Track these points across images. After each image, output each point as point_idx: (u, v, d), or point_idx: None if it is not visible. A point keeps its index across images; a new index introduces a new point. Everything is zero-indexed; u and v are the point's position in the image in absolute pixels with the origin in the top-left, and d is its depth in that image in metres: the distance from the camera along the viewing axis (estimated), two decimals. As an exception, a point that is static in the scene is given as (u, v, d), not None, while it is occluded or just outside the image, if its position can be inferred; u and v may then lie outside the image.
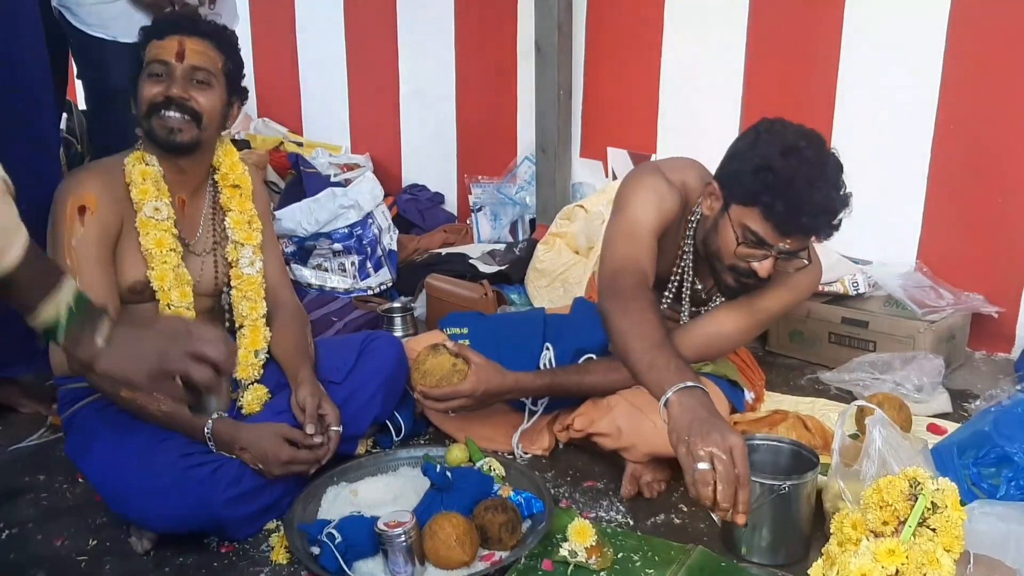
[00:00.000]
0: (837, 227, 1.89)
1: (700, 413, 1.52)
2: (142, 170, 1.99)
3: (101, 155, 2.59)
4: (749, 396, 2.26)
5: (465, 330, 2.42)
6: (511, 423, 2.30)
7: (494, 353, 2.20)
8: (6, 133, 2.24)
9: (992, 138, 2.82)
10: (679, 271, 2.17)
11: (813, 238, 1.91)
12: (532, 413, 2.29)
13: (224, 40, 2.05)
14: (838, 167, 1.87)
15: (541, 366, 2.31)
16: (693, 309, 2.19)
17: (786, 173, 1.80)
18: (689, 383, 1.57)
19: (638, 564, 1.79)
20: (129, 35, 2.48)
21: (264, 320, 2.17)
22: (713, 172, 2.02)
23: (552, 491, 2.08)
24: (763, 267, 1.90)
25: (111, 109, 2.56)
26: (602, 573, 1.76)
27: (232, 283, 2.14)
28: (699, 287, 2.17)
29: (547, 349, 2.34)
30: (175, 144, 1.98)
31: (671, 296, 2.20)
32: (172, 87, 1.95)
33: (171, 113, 1.96)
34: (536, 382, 2.16)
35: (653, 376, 1.64)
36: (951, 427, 2.32)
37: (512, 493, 1.95)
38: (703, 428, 1.48)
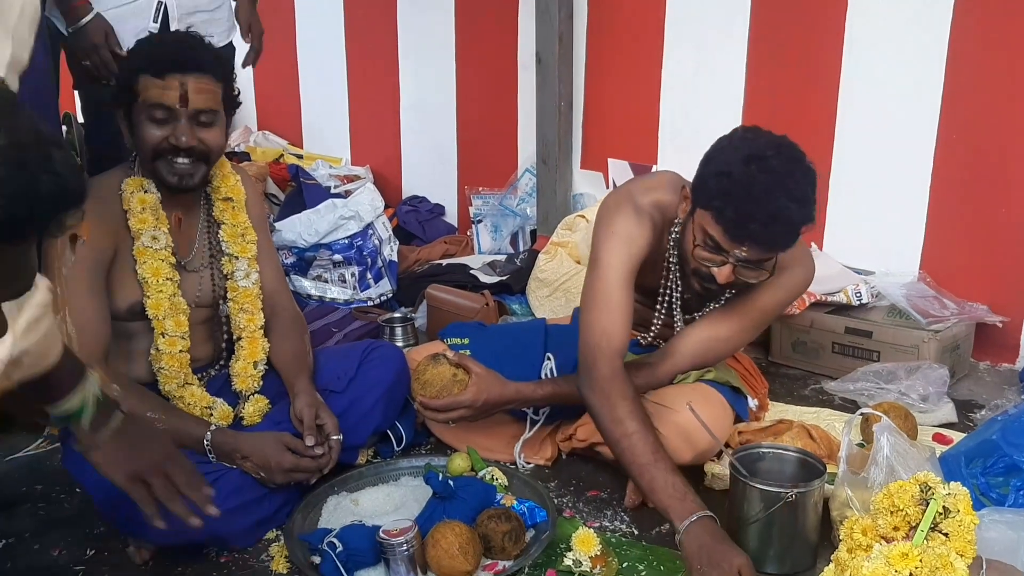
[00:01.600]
0: (795, 237, 1.84)
1: (706, 540, 1.67)
2: (141, 198, 1.97)
3: (96, 163, 2.58)
4: (753, 403, 2.24)
5: (466, 340, 2.41)
6: (512, 433, 2.29)
7: (495, 363, 2.18)
8: None
9: (994, 148, 2.82)
10: (667, 281, 2.14)
11: (774, 247, 1.85)
12: (533, 423, 2.27)
13: (221, 66, 2.00)
14: (807, 180, 1.82)
15: (543, 376, 2.29)
16: (687, 316, 2.17)
17: (744, 180, 1.76)
18: (696, 516, 1.70)
19: (643, 574, 1.77)
20: (122, 43, 2.48)
21: (262, 331, 2.15)
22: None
23: (556, 500, 2.06)
24: (720, 273, 1.86)
25: (106, 119, 2.55)
26: (606, 583, 1.74)
27: (228, 295, 2.12)
28: (688, 296, 2.13)
29: (548, 359, 2.33)
30: (187, 188, 1.98)
31: (663, 310, 2.17)
32: (179, 135, 1.90)
33: (181, 160, 1.93)
34: (537, 392, 2.14)
35: (657, 499, 1.78)
36: (957, 437, 2.30)
37: (515, 502, 1.93)
38: (712, 556, 1.64)
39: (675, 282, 2.12)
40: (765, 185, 1.76)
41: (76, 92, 2.77)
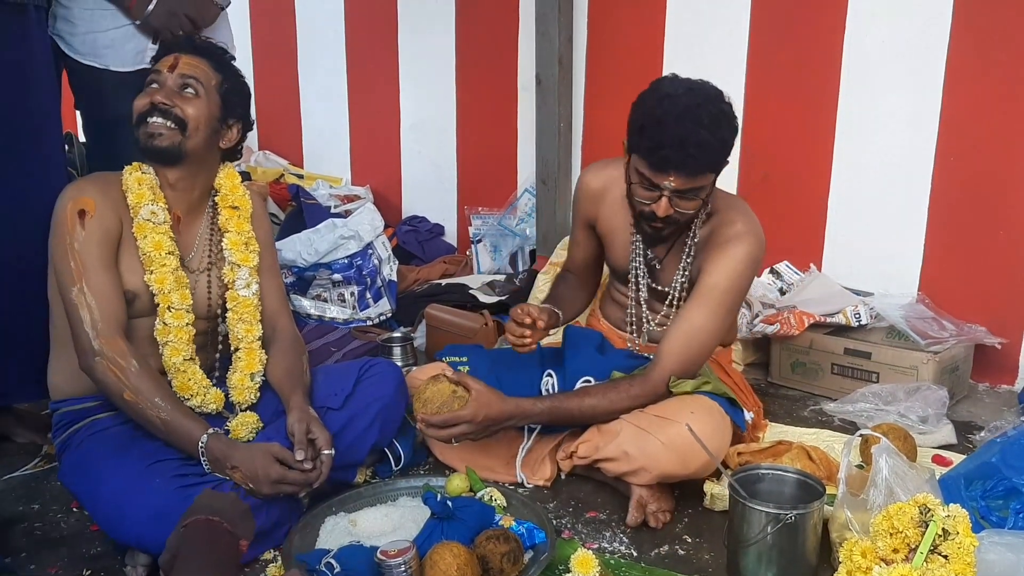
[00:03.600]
0: (711, 162, 2.02)
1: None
2: (138, 177, 2.03)
3: None
4: (748, 416, 2.24)
5: (465, 358, 2.41)
6: (512, 453, 2.28)
7: (494, 381, 2.20)
8: (16, 149, 2.26)
9: (992, 170, 2.83)
10: (633, 246, 2.29)
11: (694, 172, 2.02)
12: (531, 431, 2.26)
13: (223, 61, 2.10)
14: (716, 109, 2.01)
15: (543, 392, 2.30)
16: (654, 286, 2.29)
17: (656, 114, 1.98)
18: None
19: (642, 595, 1.76)
20: (121, 63, 2.48)
21: (260, 343, 2.16)
22: None
23: (554, 521, 2.05)
24: (659, 207, 2.05)
25: (108, 138, 2.55)
26: (608, 600, 1.72)
27: (228, 305, 2.13)
28: (651, 255, 2.27)
29: (549, 376, 2.33)
30: (156, 149, 2.01)
31: (634, 287, 2.32)
32: (158, 95, 1.99)
33: (155, 119, 1.99)
34: (537, 407, 2.14)
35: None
36: (956, 458, 2.29)
37: (514, 523, 1.91)
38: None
39: (637, 245, 2.27)
40: (674, 115, 1.97)
41: (77, 111, 2.79)
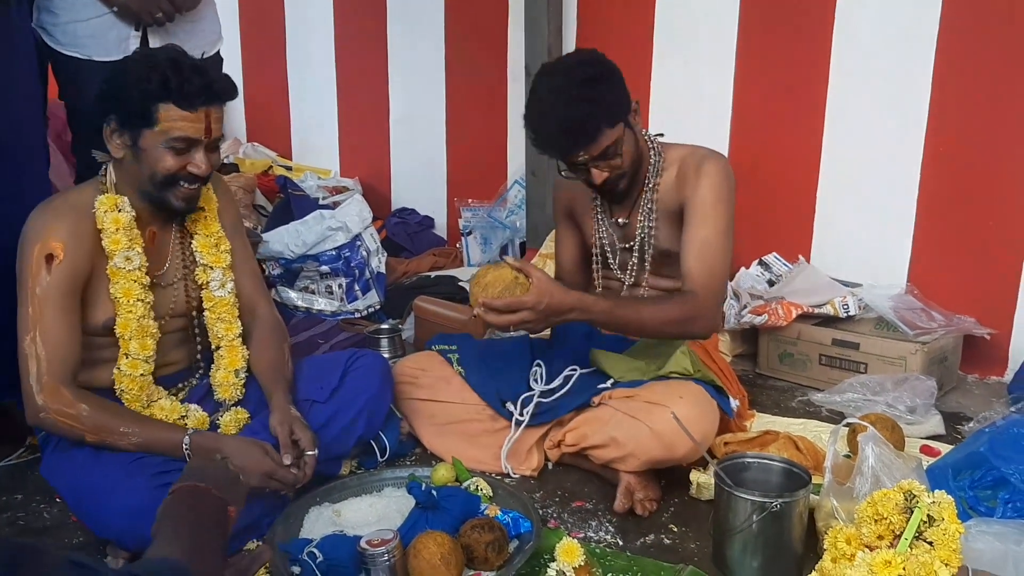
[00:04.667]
0: (600, 122, 2.07)
1: None
2: (115, 218, 1.93)
3: (84, 173, 2.56)
4: (734, 403, 2.23)
5: (455, 347, 2.40)
6: (499, 444, 2.27)
7: (485, 368, 2.25)
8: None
9: (981, 161, 2.82)
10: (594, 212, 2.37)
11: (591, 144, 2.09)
12: (519, 423, 2.25)
13: (234, 91, 1.99)
14: (587, 75, 2.08)
15: (531, 383, 2.29)
16: (622, 245, 2.33)
17: (535, 111, 2.11)
18: None
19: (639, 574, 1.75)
20: (104, 53, 2.44)
21: (240, 339, 2.13)
22: None
23: (540, 511, 2.04)
24: (593, 177, 2.15)
25: (92, 129, 2.51)
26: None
27: (204, 305, 2.10)
28: (615, 218, 2.33)
29: (538, 366, 2.32)
30: (185, 209, 1.98)
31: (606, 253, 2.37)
32: (199, 163, 1.91)
33: (191, 186, 1.93)
34: (598, 305, 2.06)
35: None
36: (944, 449, 2.29)
37: (499, 512, 1.90)
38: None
39: (603, 223, 2.35)
40: (548, 104, 2.07)
41: (64, 103, 2.76)
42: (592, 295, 2.13)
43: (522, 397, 2.25)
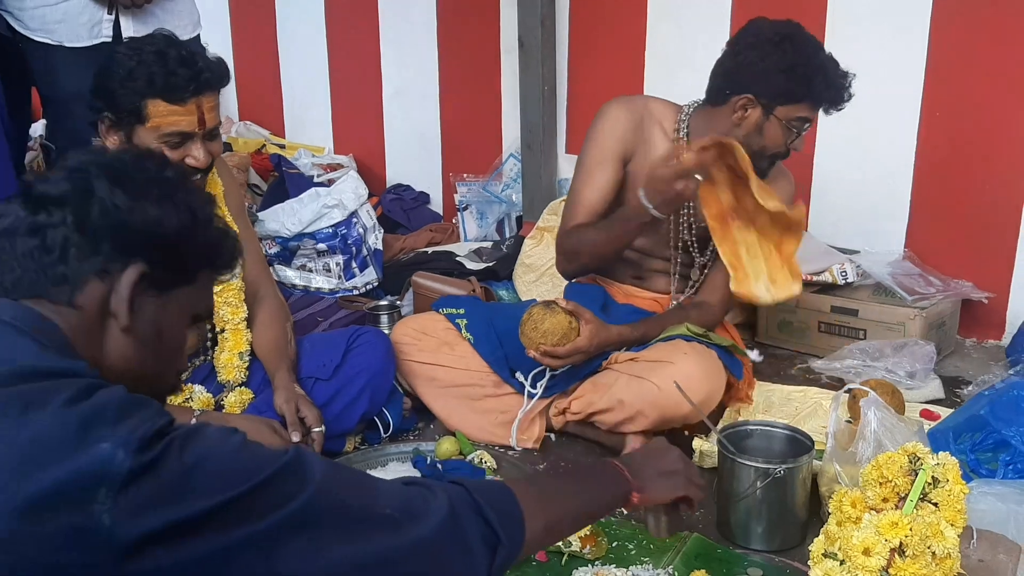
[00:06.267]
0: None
1: None
2: None
3: (58, 161, 2.53)
4: (754, 354, 2.33)
5: (462, 310, 2.40)
6: (501, 410, 2.28)
7: (494, 336, 2.27)
8: None
9: (977, 125, 2.82)
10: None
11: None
12: (531, 396, 2.26)
13: (226, 76, 1.94)
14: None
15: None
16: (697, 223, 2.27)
17: (815, 59, 2.10)
18: None
19: (633, 553, 1.76)
20: (75, 39, 2.39)
21: (246, 323, 2.13)
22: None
23: (544, 483, 2.05)
24: (801, 141, 2.19)
25: (65, 116, 2.45)
26: (597, 562, 1.73)
27: None
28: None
29: None
30: None
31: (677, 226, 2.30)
32: (197, 155, 1.86)
33: (193, 177, 1.87)
34: (634, 333, 2.20)
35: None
36: (944, 413, 2.30)
37: (504, 485, 1.91)
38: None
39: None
40: (826, 56, 2.12)
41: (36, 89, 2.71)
42: (628, 326, 2.21)
43: (534, 372, 2.25)
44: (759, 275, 2.10)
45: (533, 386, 2.25)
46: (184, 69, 1.82)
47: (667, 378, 2.01)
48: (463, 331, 2.36)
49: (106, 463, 0.82)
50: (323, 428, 1.99)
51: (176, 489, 0.84)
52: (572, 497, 1.22)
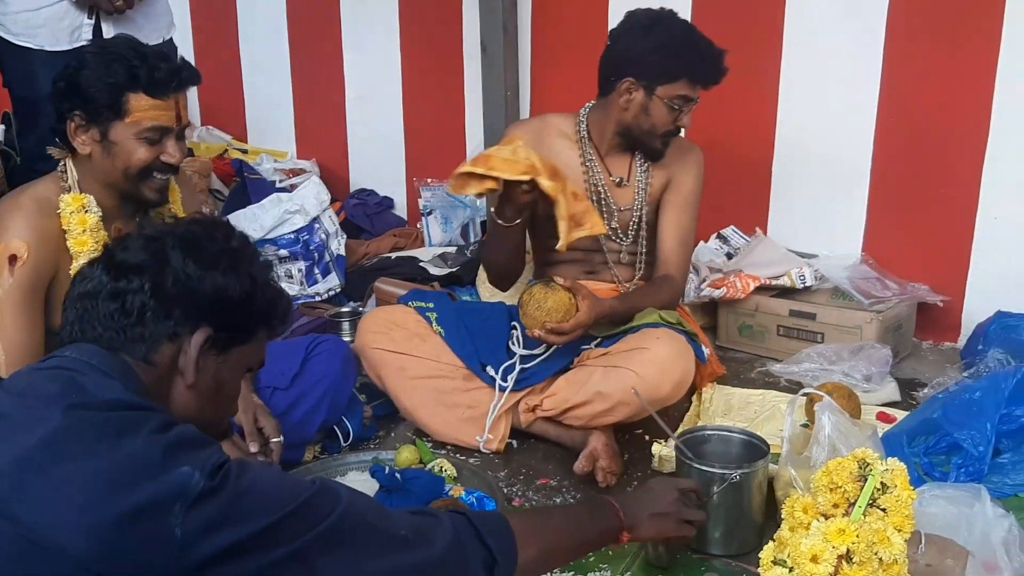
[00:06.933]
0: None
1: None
2: (81, 219, 1.85)
3: (28, 164, 2.50)
4: (706, 351, 2.32)
5: (431, 304, 2.40)
6: (469, 405, 2.28)
7: (464, 332, 2.30)
8: None
9: (933, 130, 2.86)
10: (587, 174, 2.39)
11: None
12: (503, 390, 2.26)
13: (197, 75, 1.94)
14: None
15: (511, 343, 2.33)
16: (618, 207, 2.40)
17: (684, 37, 2.22)
18: None
19: (591, 559, 1.77)
20: (55, 43, 2.40)
21: None
22: None
23: (505, 490, 2.05)
24: (686, 118, 2.29)
25: (39, 117, 2.45)
26: (555, 570, 1.73)
27: None
28: (612, 176, 2.40)
29: (514, 328, 2.35)
30: (156, 201, 1.92)
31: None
32: (173, 152, 1.85)
33: (162, 176, 1.87)
34: (622, 305, 2.27)
35: None
36: (900, 415, 2.33)
37: (464, 493, 1.92)
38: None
39: (596, 175, 2.39)
40: (697, 34, 2.24)
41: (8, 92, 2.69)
42: (610, 301, 2.26)
43: (504, 365, 2.27)
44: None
45: (504, 379, 2.26)
46: (164, 64, 1.83)
47: (644, 363, 2.07)
48: (434, 324, 2.35)
49: (185, 483, 0.97)
50: (281, 438, 1.97)
51: (233, 510, 0.99)
52: (564, 530, 1.36)
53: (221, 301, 1.16)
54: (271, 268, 1.28)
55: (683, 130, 2.33)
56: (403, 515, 1.16)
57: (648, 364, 2.07)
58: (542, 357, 2.28)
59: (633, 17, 2.29)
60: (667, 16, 2.25)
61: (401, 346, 2.31)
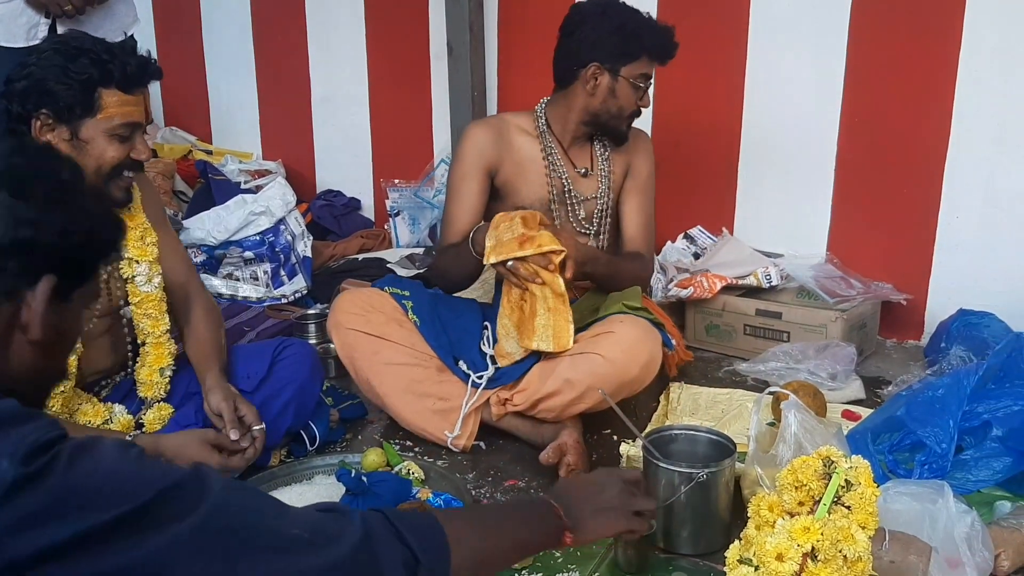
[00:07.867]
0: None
1: None
2: None
3: None
4: (673, 342, 2.34)
5: (407, 292, 2.37)
6: (440, 396, 2.27)
7: (438, 322, 2.30)
8: None
9: (896, 130, 2.89)
10: (549, 168, 2.41)
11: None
12: (476, 386, 2.25)
13: (159, 70, 1.93)
14: None
15: (482, 346, 2.33)
16: (581, 197, 2.43)
17: (636, 18, 2.30)
18: None
19: (559, 560, 1.77)
20: (12, 39, 2.35)
21: (168, 335, 2.08)
22: None
23: (473, 492, 2.04)
24: (647, 97, 2.37)
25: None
26: (523, 571, 1.73)
27: (131, 300, 2.03)
28: (576, 167, 2.44)
29: (485, 328, 2.36)
30: (125, 200, 1.89)
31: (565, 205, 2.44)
32: (142, 149, 1.84)
33: (131, 174, 1.85)
34: (603, 256, 2.37)
35: None
36: (865, 413, 2.35)
37: (431, 495, 1.90)
38: None
39: (562, 173, 2.41)
40: (641, 15, 2.32)
41: None
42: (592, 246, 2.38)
43: (478, 370, 2.27)
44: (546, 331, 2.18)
45: (478, 377, 2.26)
46: (133, 59, 1.82)
47: (610, 346, 2.09)
48: (409, 313, 2.32)
49: None
50: (263, 425, 1.96)
51: (59, 503, 0.83)
52: (502, 531, 1.23)
53: (63, 246, 1.01)
54: (104, 194, 1.14)
55: (643, 110, 2.40)
56: (305, 513, 1.03)
57: (614, 346, 2.09)
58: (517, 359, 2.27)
59: (582, 8, 2.35)
60: (613, 1, 2.34)
61: (377, 330, 2.27)
